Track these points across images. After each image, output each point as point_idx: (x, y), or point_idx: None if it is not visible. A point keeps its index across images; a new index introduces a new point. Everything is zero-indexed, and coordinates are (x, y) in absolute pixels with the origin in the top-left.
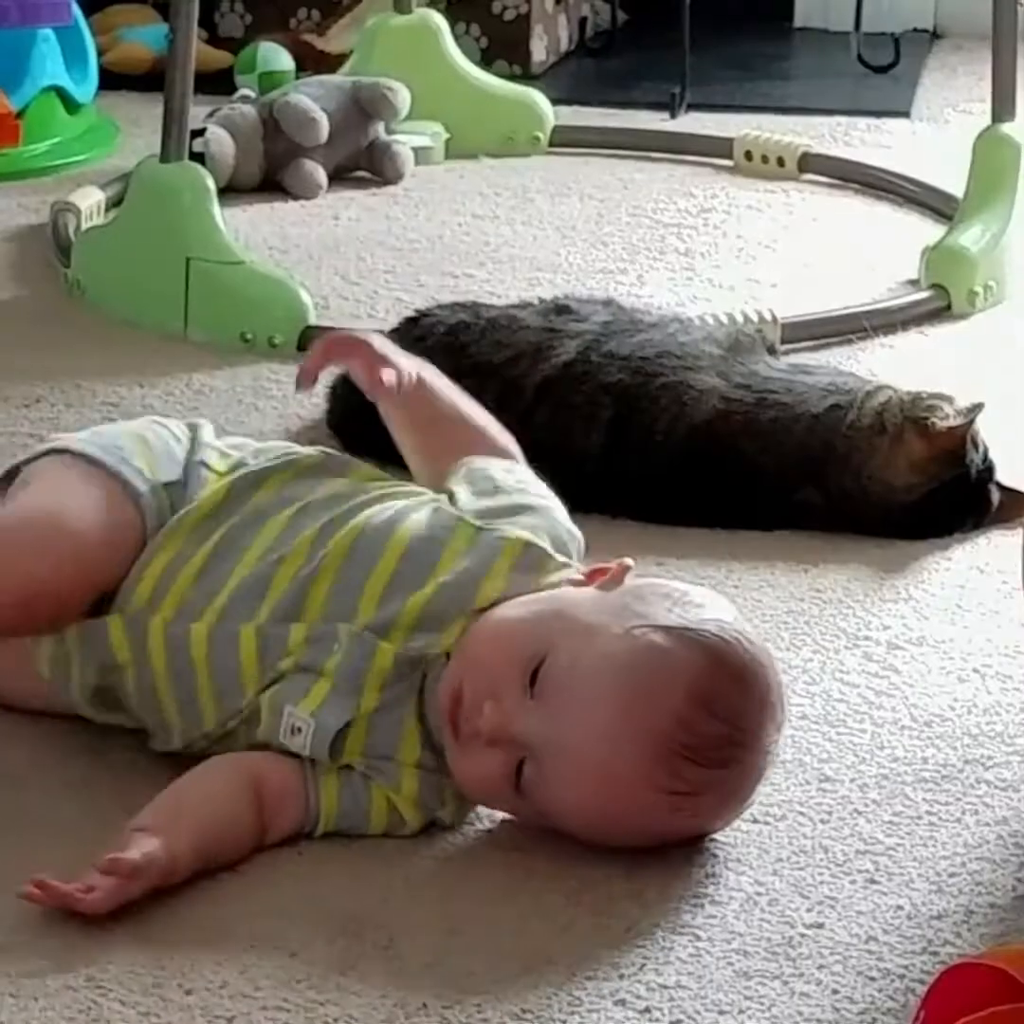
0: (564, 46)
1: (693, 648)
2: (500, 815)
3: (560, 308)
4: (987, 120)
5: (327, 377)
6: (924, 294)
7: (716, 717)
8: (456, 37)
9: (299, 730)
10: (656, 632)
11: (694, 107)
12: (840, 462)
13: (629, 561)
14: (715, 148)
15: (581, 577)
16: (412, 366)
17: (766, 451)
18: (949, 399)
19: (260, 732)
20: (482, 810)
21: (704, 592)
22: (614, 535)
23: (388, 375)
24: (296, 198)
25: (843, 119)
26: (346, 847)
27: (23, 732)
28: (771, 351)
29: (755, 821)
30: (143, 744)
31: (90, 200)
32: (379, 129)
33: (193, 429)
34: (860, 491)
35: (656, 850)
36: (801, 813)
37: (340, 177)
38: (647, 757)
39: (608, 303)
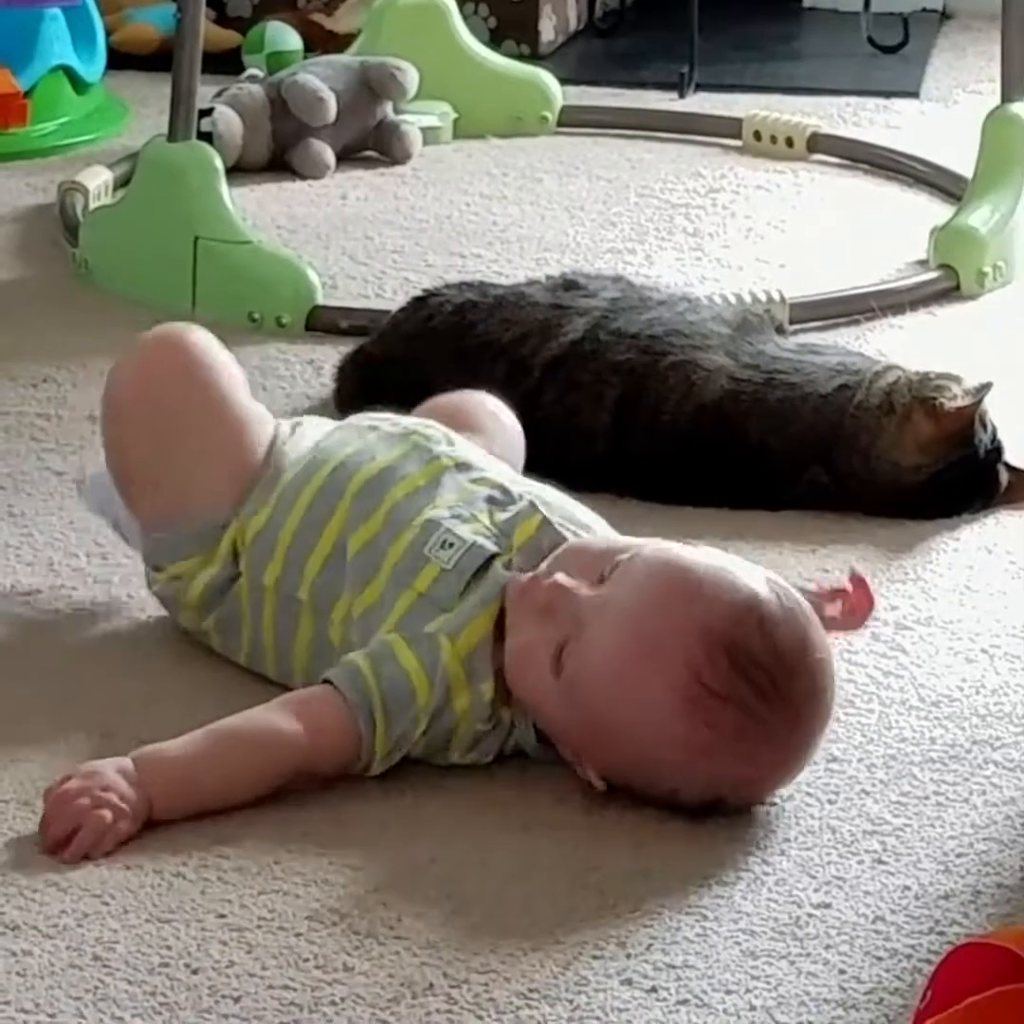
0: (573, 26)
1: (774, 588)
2: (505, 795)
3: (568, 283)
4: (996, 100)
5: (335, 357)
6: (933, 274)
7: (767, 641)
8: (464, 17)
9: (451, 545)
10: (745, 562)
11: (703, 87)
12: (848, 442)
13: None
14: (724, 128)
15: None
16: None
17: (774, 431)
18: (957, 379)
19: (402, 547)
20: (491, 777)
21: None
22: (621, 514)
23: None
24: (304, 178)
25: (852, 99)
26: (353, 827)
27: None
28: (780, 331)
29: (762, 801)
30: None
31: (98, 180)
32: (387, 109)
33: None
34: (868, 471)
35: (662, 829)
36: (808, 793)
37: (348, 157)
38: (691, 626)
39: (617, 280)
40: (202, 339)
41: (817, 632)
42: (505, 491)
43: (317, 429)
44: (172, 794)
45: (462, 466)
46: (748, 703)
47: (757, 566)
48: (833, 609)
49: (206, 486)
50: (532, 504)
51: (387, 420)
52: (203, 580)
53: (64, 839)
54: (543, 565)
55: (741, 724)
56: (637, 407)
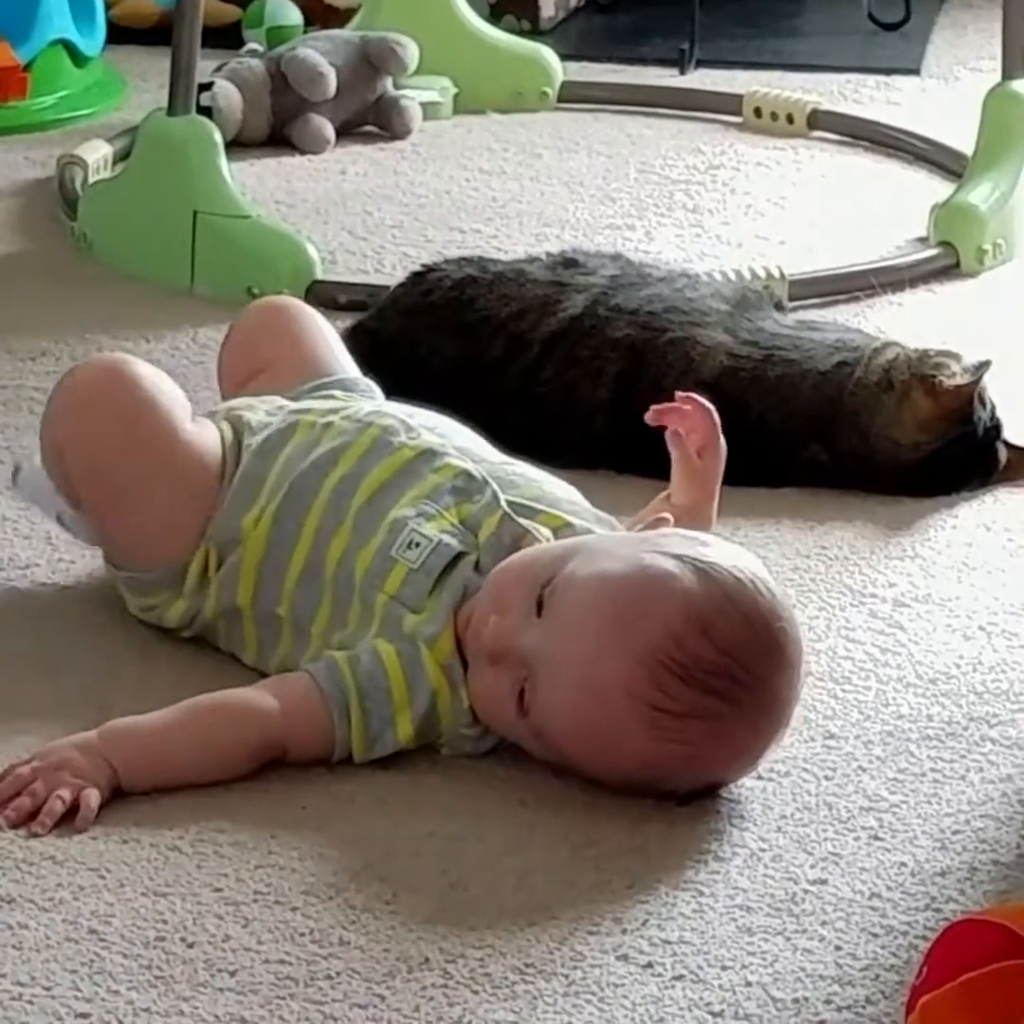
0: (573, 2)
1: (701, 577)
2: (503, 771)
3: (568, 261)
4: (997, 77)
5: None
6: (933, 251)
7: (713, 644)
8: None
9: (417, 545)
10: (665, 558)
11: (703, 63)
12: (847, 419)
13: (668, 516)
14: (724, 105)
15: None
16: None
17: (773, 408)
18: (956, 357)
19: (370, 552)
20: (488, 753)
21: (736, 548)
22: (620, 491)
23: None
24: (303, 153)
25: (853, 76)
26: (350, 802)
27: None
28: (778, 307)
29: (759, 777)
30: None
31: (97, 154)
32: (387, 84)
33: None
34: (867, 449)
35: (659, 805)
36: (805, 769)
37: (348, 132)
38: (631, 661)
39: (616, 257)
40: (139, 374)
41: (761, 600)
42: (469, 477)
43: (263, 427)
44: (139, 764)
45: (424, 455)
46: (713, 710)
47: (678, 533)
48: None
49: (162, 535)
50: (494, 495)
51: (339, 411)
52: (177, 611)
53: (23, 820)
54: (483, 600)
55: (712, 730)
56: (636, 383)
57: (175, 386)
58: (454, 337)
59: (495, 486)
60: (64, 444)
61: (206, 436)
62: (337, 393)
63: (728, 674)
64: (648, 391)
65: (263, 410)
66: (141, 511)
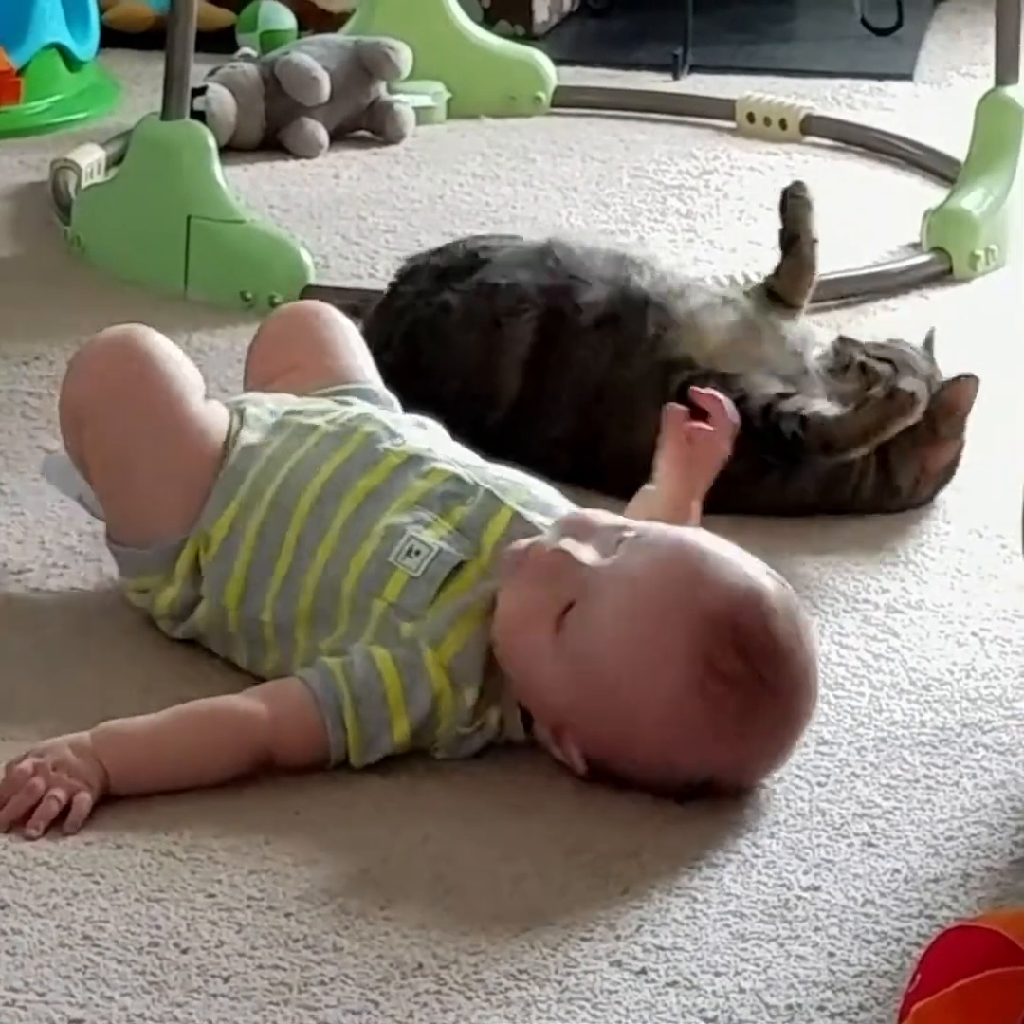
0: (567, 6)
1: (764, 573)
2: (497, 776)
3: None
4: (990, 83)
5: None
6: (925, 257)
7: (770, 633)
8: None
9: (417, 553)
10: (732, 548)
11: (696, 68)
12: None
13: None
14: (717, 110)
15: None
16: None
17: None
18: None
19: (364, 558)
20: (483, 758)
21: None
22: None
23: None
24: (297, 157)
25: (846, 82)
26: (345, 808)
27: None
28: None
29: (747, 788)
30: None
31: (90, 158)
32: (381, 88)
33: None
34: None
35: (653, 811)
36: (798, 776)
37: (341, 136)
38: (700, 615)
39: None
40: (154, 344)
41: (809, 629)
42: (459, 481)
43: (258, 422)
44: (129, 767)
45: (411, 460)
46: (752, 689)
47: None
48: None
49: (158, 508)
50: (490, 494)
51: (327, 414)
52: (168, 597)
53: (19, 819)
54: (546, 534)
55: (741, 707)
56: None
57: (189, 363)
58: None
59: (489, 487)
60: (76, 406)
61: (213, 416)
62: (350, 399)
63: (776, 664)
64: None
65: (268, 406)
66: (137, 478)
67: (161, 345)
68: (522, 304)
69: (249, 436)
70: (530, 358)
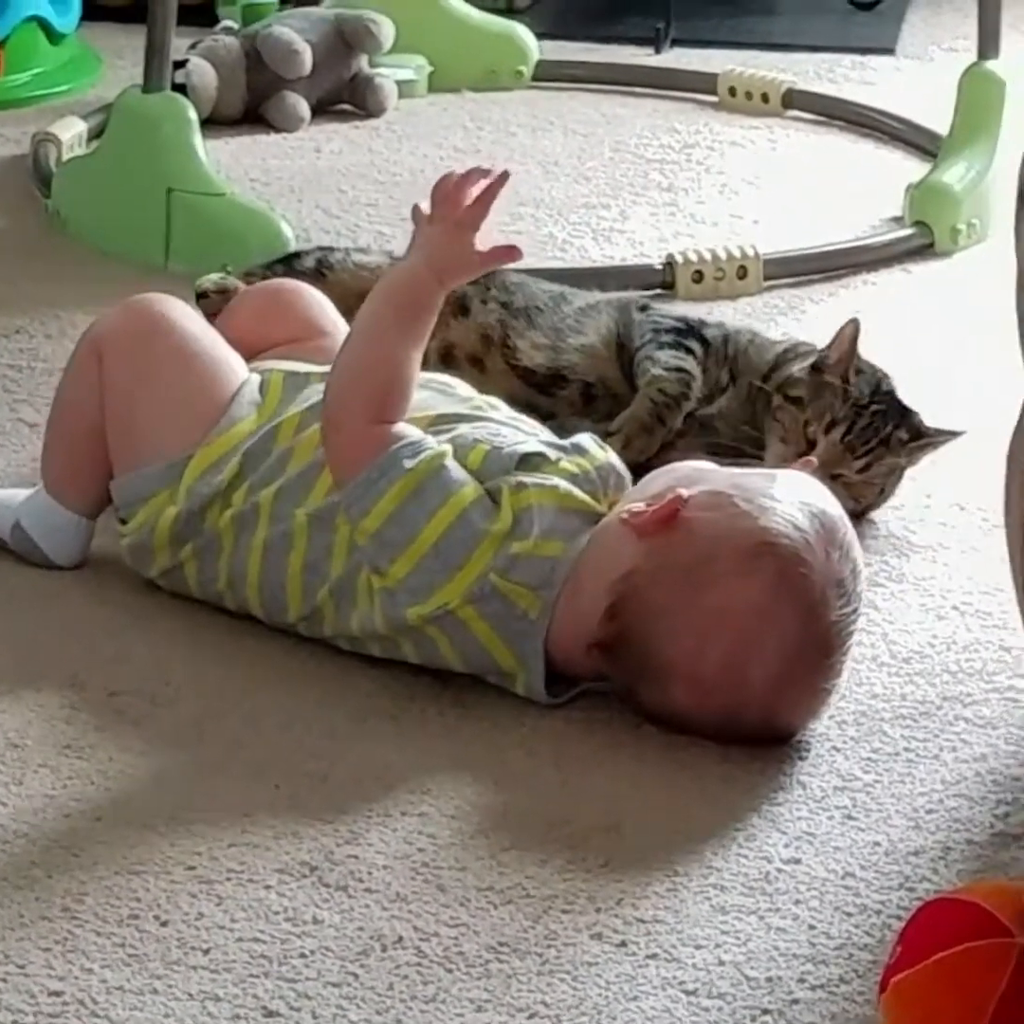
0: None
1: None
2: (477, 750)
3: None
4: (972, 57)
5: None
6: (907, 231)
7: (836, 568)
8: None
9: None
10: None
11: (678, 42)
12: None
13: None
14: (699, 84)
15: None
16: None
17: None
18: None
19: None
20: (463, 732)
21: None
22: None
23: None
24: (278, 130)
25: (828, 56)
26: (323, 782)
27: None
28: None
29: (732, 757)
30: None
31: (71, 131)
32: (362, 62)
33: None
34: None
35: (632, 782)
36: (779, 749)
37: (323, 110)
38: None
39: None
40: (183, 303)
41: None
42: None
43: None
44: None
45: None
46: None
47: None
48: None
49: (174, 426)
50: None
51: (306, 403)
52: (169, 516)
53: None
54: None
55: (788, 638)
56: None
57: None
58: None
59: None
60: (98, 337)
61: (230, 358)
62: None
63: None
64: None
65: (284, 369)
66: (161, 409)
67: (187, 305)
68: None
69: (250, 393)
70: None
